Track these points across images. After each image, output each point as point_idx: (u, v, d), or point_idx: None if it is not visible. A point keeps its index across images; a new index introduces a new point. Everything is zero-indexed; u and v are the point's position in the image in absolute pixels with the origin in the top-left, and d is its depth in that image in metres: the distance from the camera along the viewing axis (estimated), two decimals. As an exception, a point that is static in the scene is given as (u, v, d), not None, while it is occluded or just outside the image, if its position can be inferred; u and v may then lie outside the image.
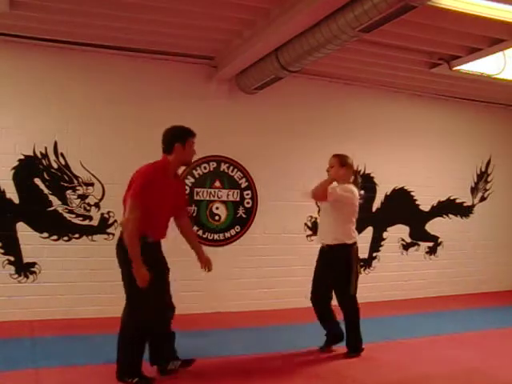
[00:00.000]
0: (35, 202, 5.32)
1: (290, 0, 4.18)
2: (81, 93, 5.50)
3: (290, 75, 5.43)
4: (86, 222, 5.51)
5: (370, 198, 6.93)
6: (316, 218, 6.26)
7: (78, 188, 5.47)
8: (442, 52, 5.52)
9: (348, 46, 4.66)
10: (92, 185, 5.53)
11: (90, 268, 5.46)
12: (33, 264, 5.30)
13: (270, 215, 6.33)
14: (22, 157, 5.28)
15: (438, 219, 7.49)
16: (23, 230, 5.27)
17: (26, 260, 5.28)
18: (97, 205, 5.54)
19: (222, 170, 6.15)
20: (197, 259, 3.97)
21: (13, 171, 5.25)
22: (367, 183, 6.78)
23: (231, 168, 6.20)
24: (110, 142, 5.61)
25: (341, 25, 4.05)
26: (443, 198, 7.53)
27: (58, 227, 5.39)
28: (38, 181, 5.34)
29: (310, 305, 4.56)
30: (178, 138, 3.70)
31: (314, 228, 6.38)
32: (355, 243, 4.46)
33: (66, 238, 5.42)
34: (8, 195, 5.22)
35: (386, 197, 7.11)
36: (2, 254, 5.22)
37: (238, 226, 6.23)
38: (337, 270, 4.40)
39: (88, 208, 5.51)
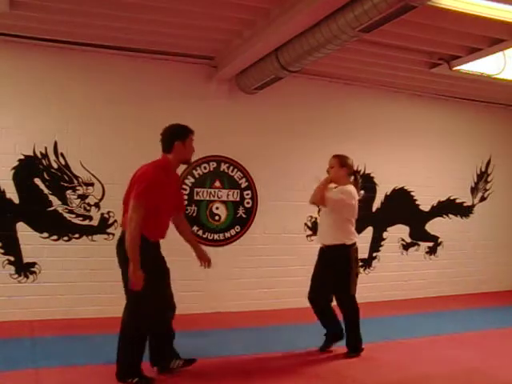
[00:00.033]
0: (35, 202, 5.32)
1: (289, 0, 4.18)
2: (81, 93, 5.50)
3: (290, 75, 5.44)
4: (86, 222, 5.51)
5: (370, 198, 6.93)
6: (316, 218, 6.26)
7: (78, 188, 5.47)
8: (442, 52, 5.52)
9: (348, 45, 4.66)
10: (92, 185, 5.53)
11: (90, 268, 5.46)
12: (33, 264, 5.30)
13: (269, 215, 6.33)
14: (22, 157, 5.29)
15: (437, 219, 7.49)
16: (23, 230, 5.27)
17: (26, 260, 5.28)
18: (97, 205, 5.54)
19: (222, 169, 6.15)
20: (196, 257, 3.97)
21: (13, 171, 5.25)
22: (367, 183, 6.79)
23: (231, 168, 6.20)
24: (110, 142, 5.62)
25: (341, 25, 4.05)
26: (443, 198, 7.53)
27: (58, 227, 5.39)
28: (38, 181, 5.34)
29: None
30: (177, 135, 3.69)
31: (313, 228, 6.38)
32: (355, 244, 4.47)
33: (66, 238, 5.43)
34: (8, 195, 5.22)
35: (386, 197, 7.11)
36: (2, 253, 5.22)
37: (238, 226, 6.23)
38: (336, 271, 4.40)
39: (88, 208, 5.51)
